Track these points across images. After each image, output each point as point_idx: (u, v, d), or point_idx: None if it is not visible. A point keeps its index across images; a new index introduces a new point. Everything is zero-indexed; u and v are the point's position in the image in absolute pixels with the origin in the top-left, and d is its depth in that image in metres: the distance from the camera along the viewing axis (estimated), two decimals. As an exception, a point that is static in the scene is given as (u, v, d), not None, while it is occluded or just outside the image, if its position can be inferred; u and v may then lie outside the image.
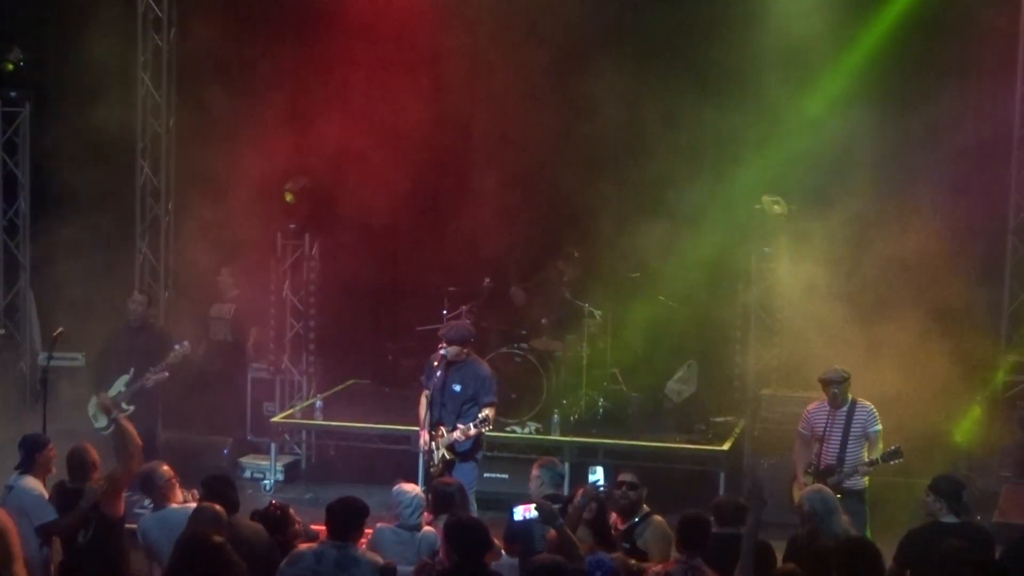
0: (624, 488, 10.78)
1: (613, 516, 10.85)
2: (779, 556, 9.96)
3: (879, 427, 12.63)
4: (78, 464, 10.97)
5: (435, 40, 16.64)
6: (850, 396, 12.71)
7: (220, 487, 10.29)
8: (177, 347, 14.82)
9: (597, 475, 10.64)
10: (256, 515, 10.52)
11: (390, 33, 16.72)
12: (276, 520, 10.43)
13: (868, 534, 11.75)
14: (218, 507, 9.86)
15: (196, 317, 17.37)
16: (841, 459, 12.55)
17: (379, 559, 9.51)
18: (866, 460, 12.50)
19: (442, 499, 10.78)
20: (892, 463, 12.41)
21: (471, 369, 13.15)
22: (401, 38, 16.77)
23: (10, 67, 17.22)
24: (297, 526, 10.61)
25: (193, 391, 16.22)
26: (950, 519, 10.47)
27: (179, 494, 10.80)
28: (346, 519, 9.53)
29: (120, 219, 17.48)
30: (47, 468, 11.06)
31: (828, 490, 10.62)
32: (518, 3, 16.43)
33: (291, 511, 10.66)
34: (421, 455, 13.21)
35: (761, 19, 16.07)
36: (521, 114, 16.93)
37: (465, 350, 13.11)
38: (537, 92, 16.95)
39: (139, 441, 11.21)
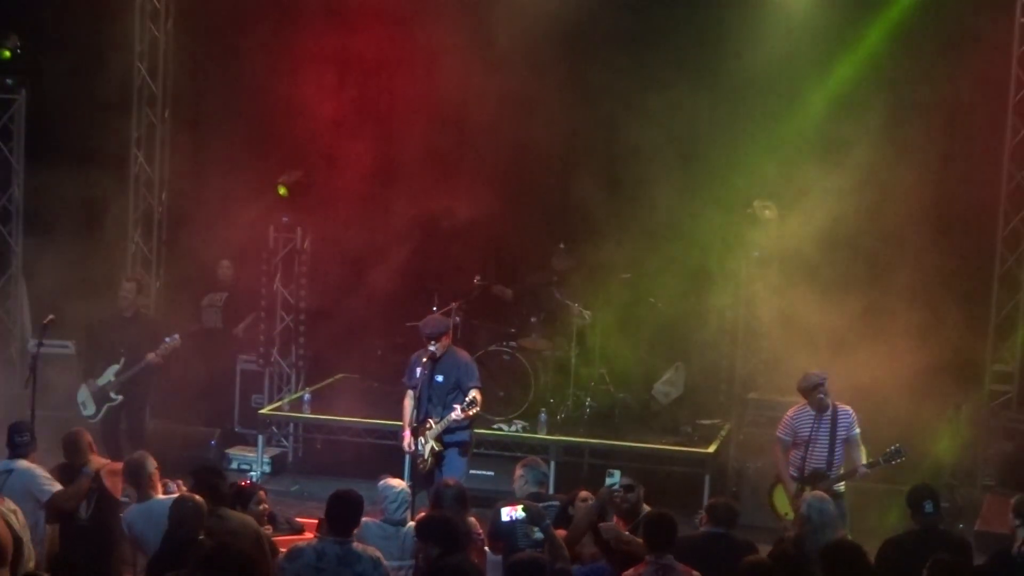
0: (623, 491, 10.80)
1: (616, 520, 10.91)
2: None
3: (858, 430, 12.68)
4: (74, 447, 11.16)
5: (432, 36, 16.66)
6: (830, 400, 12.76)
7: (209, 478, 10.34)
8: (168, 340, 14.85)
9: (615, 478, 10.68)
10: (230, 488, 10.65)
11: (387, 27, 16.76)
12: (238, 493, 10.48)
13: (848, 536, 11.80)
14: (198, 498, 9.88)
15: (187, 307, 17.40)
16: (829, 463, 12.59)
17: (377, 553, 9.50)
18: (865, 462, 12.50)
19: (436, 498, 10.81)
20: (894, 463, 12.44)
21: (450, 358, 13.18)
22: (397, 33, 16.80)
23: (6, 54, 17.22)
24: (263, 507, 10.66)
25: (182, 382, 16.26)
26: (914, 527, 10.64)
27: (160, 485, 10.89)
28: (349, 513, 9.47)
29: (113, 208, 17.50)
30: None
31: (831, 502, 10.63)
32: (515, 1, 16.46)
33: (261, 493, 10.73)
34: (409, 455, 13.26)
35: (758, 22, 16.14)
36: (514, 113, 16.97)
37: (446, 341, 13.17)
38: (531, 91, 16.98)
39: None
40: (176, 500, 9.91)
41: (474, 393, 12.92)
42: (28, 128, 17.63)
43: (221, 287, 17.57)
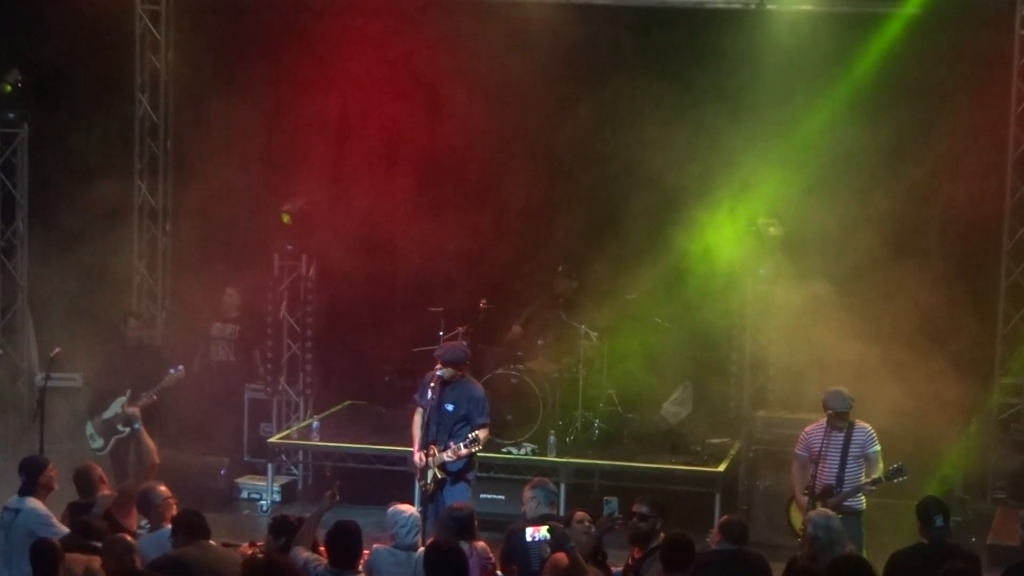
0: (635, 519, 10.77)
1: (632, 547, 10.87)
2: None
3: (878, 448, 12.67)
4: (85, 481, 11.16)
5: (433, 62, 16.69)
6: (849, 418, 12.74)
7: (187, 519, 10.28)
8: (172, 371, 14.77)
9: (612, 505, 10.67)
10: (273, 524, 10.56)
11: (387, 54, 16.80)
12: (291, 526, 10.44)
13: (864, 555, 11.75)
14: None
15: (194, 338, 17.37)
16: (840, 479, 12.58)
17: None
18: (868, 479, 12.53)
19: (439, 523, 10.78)
20: (896, 481, 12.43)
21: (465, 389, 13.19)
22: (398, 59, 16.83)
23: (8, 88, 17.24)
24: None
25: (191, 412, 16.23)
26: (923, 540, 10.63)
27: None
28: (349, 545, 9.46)
29: (117, 240, 17.49)
30: (49, 488, 11.22)
31: (836, 518, 10.64)
32: (516, 24, 16.47)
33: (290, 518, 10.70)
34: (416, 474, 13.25)
35: (759, 43, 16.15)
36: (519, 137, 16.98)
37: (460, 371, 13.16)
38: (536, 116, 17.02)
39: (155, 458, 11.33)
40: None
41: (480, 432, 13.01)
42: (31, 161, 17.64)
43: (227, 317, 17.49)
